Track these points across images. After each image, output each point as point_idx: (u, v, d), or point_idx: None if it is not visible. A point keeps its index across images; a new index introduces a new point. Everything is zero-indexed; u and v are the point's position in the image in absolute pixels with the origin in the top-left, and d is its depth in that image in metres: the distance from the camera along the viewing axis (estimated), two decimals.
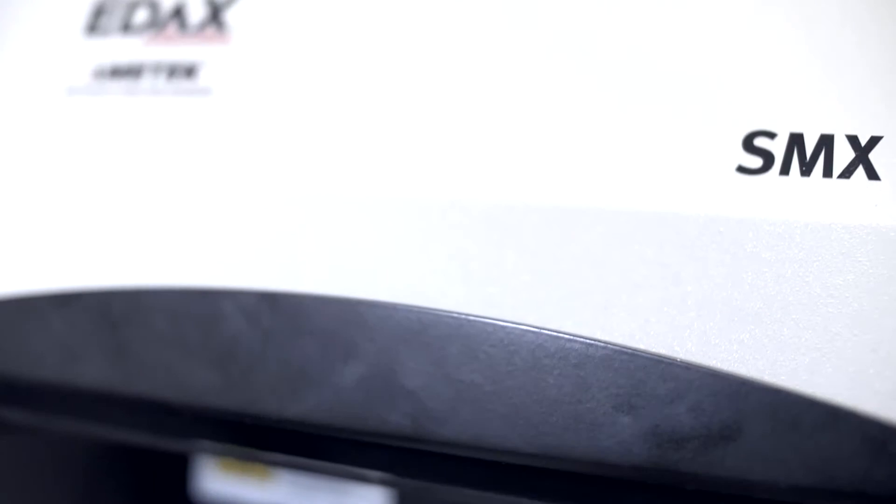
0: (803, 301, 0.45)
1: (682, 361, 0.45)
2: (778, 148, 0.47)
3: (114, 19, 0.62)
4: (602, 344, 0.47)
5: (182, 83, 0.58)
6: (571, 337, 0.47)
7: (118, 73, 0.60)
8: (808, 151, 0.47)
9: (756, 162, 0.47)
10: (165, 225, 0.56)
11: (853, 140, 0.47)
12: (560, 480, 0.49)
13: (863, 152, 0.46)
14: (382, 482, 0.55)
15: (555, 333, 0.47)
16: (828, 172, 0.46)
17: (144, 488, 0.93)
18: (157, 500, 0.93)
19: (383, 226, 0.51)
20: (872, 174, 0.46)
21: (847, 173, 0.46)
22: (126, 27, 0.61)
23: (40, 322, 0.58)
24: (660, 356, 0.46)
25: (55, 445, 0.84)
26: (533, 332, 0.48)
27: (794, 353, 0.45)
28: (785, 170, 0.47)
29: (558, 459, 0.47)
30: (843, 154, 0.47)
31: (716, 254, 0.47)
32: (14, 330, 0.59)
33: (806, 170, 0.47)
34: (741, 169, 0.47)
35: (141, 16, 0.61)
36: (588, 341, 0.47)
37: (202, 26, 0.59)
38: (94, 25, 0.62)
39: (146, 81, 0.59)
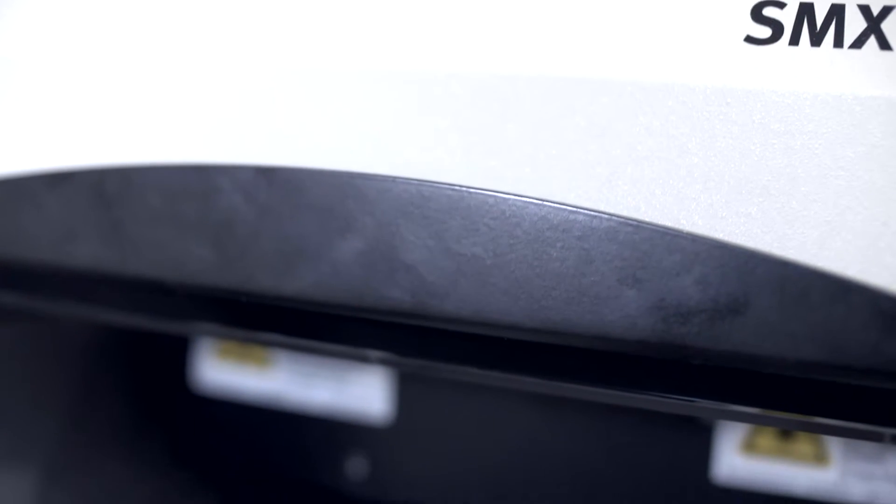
0: (813, 174, 0.44)
1: (688, 233, 0.44)
2: (787, 17, 0.46)
3: None
4: (606, 216, 0.45)
5: None
6: (575, 209, 0.46)
7: None
8: (819, 21, 0.46)
9: (765, 32, 0.46)
10: (159, 101, 0.55)
11: (865, 10, 0.45)
12: (563, 356, 0.48)
13: (875, 22, 0.45)
14: (382, 362, 0.54)
15: (558, 205, 0.46)
16: (838, 42, 0.45)
17: (144, 377, 0.93)
18: (156, 390, 0.93)
19: (383, 98, 0.50)
20: (884, 44, 0.45)
21: (858, 43, 0.45)
22: None
23: (33, 203, 0.57)
24: (666, 228, 0.45)
25: (53, 335, 0.84)
26: (535, 204, 0.46)
27: (803, 226, 0.44)
28: (794, 40, 0.46)
29: (561, 334, 0.46)
30: (855, 24, 0.45)
31: (723, 125, 0.45)
32: (6, 211, 0.58)
33: (816, 40, 0.45)
34: (749, 39, 0.46)
35: None
36: (592, 213, 0.46)
37: None
38: None
39: None
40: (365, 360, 0.54)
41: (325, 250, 0.49)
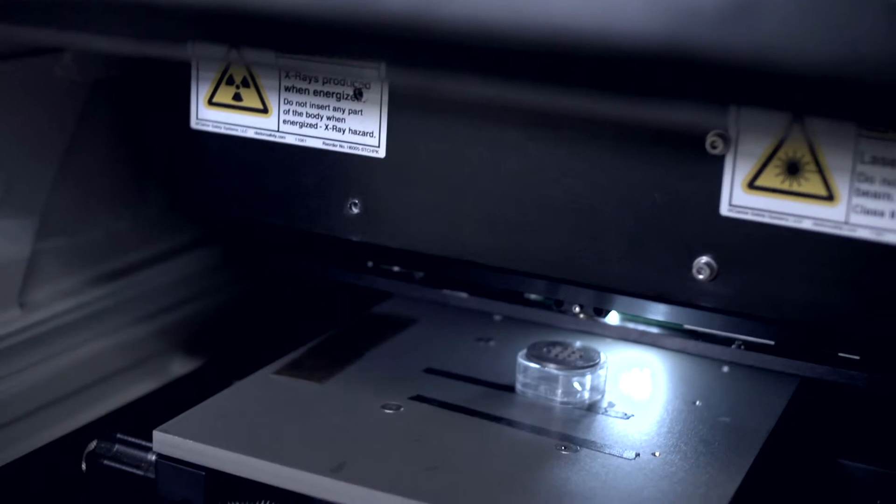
0: None
1: None
2: None
3: None
4: None
5: None
6: None
7: None
8: None
9: None
10: None
11: None
12: (567, 64, 0.46)
13: None
14: (381, 79, 0.52)
15: None
16: None
17: (138, 122, 0.91)
18: (151, 135, 0.92)
19: None
20: None
21: None
22: None
23: None
24: None
25: (43, 78, 0.82)
26: None
27: None
28: None
29: (565, 40, 0.44)
30: None
31: None
32: None
33: None
34: None
35: None
36: None
37: None
38: None
39: None
40: (363, 79, 0.52)
41: None
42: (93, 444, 0.76)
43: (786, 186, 0.66)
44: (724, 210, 0.68)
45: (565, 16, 0.44)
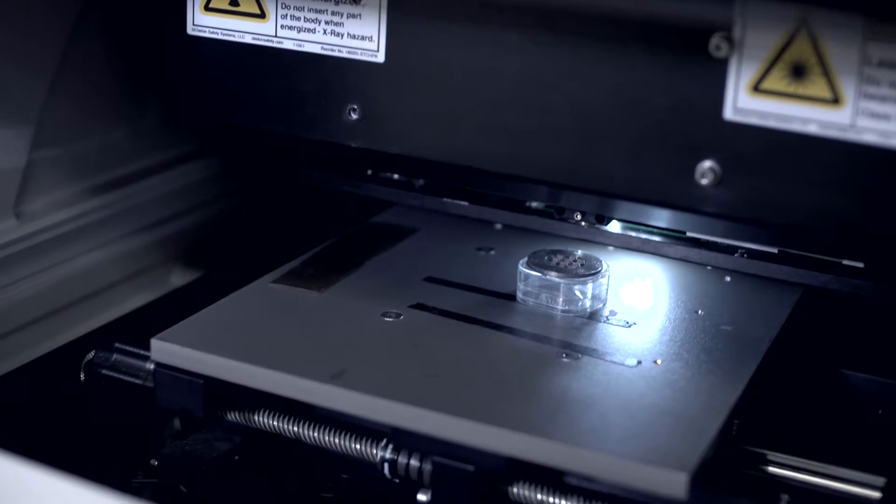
0: None
1: None
2: None
3: None
4: None
5: None
6: None
7: None
8: None
9: None
10: None
11: None
12: None
13: None
14: None
15: None
16: None
17: (137, 28, 0.90)
18: (150, 40, 0.91)
19: None
20: None
21: None
22: None
23: None
24: None
25: None
26: None
27: None
28: None
29: None
30: None
31: None
32: None
33: None
34: None
35: None
36: None
37: None
38: None
39: None
40: None
41: None
42: (91, 354, 0.76)
43: (791, 90, 0.65)
44: (729, 114, 0.67)
45: None
